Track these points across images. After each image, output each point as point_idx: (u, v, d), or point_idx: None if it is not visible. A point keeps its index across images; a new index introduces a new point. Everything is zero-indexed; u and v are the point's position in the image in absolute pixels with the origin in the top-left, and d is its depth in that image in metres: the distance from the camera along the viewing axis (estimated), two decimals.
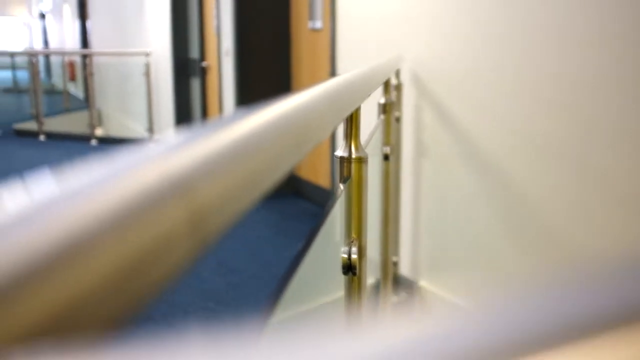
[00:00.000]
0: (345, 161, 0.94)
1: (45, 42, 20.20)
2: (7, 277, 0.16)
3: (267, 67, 4.53)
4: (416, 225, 2.74)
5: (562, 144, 1.94)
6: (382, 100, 1.92)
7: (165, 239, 0.23)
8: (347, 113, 0.85)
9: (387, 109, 1.94)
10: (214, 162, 0.29)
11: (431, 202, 2.65)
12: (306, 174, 4.42)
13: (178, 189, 0.25)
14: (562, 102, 1.93)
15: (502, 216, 2.26)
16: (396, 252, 2.77)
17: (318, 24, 4.00)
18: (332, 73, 3.39)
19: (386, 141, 1.96)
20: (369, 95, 1.01)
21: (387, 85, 1.92)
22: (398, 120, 2.58)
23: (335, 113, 0.72)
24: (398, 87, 2.55)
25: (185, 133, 0.33)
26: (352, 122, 0.93)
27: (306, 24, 4.20)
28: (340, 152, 0.94)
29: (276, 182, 0.42)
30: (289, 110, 0.50)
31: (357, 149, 0.94)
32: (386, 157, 1.95)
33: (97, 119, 7.82)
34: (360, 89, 0.92)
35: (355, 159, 0.94)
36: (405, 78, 2.65)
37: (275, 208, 4.18)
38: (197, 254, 0.26)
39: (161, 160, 0.26)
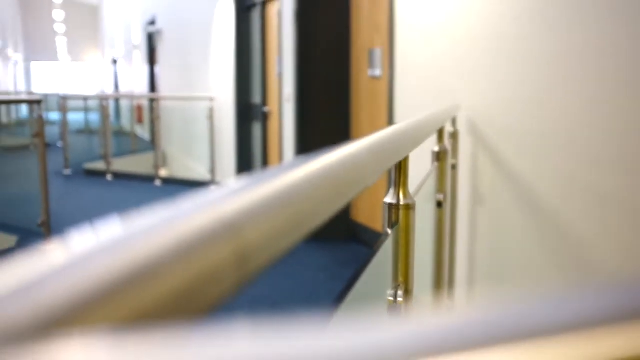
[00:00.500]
0: (393, 208, 0.97)
1: (116, 86, 21.10)
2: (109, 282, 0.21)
3: (327, 113, 4.63)
4: (471, 271, 2.73)
5: (618, 192, 1.92)
6: (436, 148, 1.95)
7: (214, 271, 0.28)
8: (395, 162, 0.89)
9: (441, 157, 1.97)
10: (259, 206, 0.34)
11: (487, 248, 2.64)
12: (363, 219, 4.45)
13: (226, 229, 0.29)
14: (614, 152, 1.92)
15: (559, 264, 2.23)
16: (450, 297, 2.75)
17: (377, 72, 4.08)
18: (390, 120, 3.45)
19: (440, 189, 1.98)
20: (419, 144, 1.05)
21: (441, 133, 1.95)
22: (454, 167, 2.60)
23: (381, 162, 0.76)
24: (454, 135, 2.58)
25: (237, 180, 0.38)
26: (401, 170, 0.96)
27: (366, 72, 4.28)
28: (388, 198, 0.98)
29: (319, 225, 0.46)
30: (336, 159, 0.55)
31: (405, 196, 0.98)
32: (439, 205, 1.97)
33: (161, 161, 8.09)
34: (409, 139, 0.96)
35: (403, 205, 0.97)
36: (461, 126, 2.68)
37: (331, 252, 4.21)
38: (241, 284, 0.31)
39: (214, 204, 0.31)
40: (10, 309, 0.18)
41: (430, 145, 1.94)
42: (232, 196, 0.33)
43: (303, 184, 0.42)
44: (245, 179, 0.39)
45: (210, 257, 0.28)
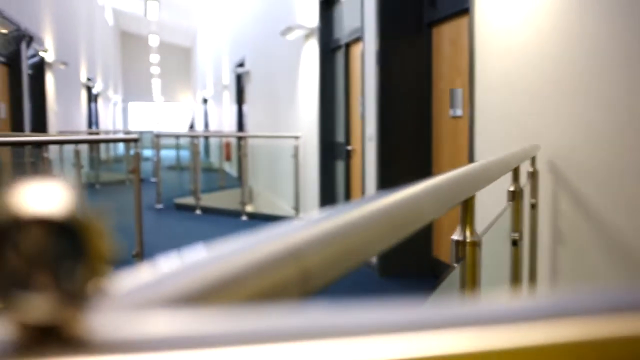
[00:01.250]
0: (459, 244, 1.03)
1: (206, 125, 21.92)
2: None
3: (408, 152, 4.69)
4: None
5: None
6: (512, 188, 1.97)
7: (281, 285, 0.36)
8: (459, 200, 0.95)
9: (516, 196, 2.00)
10: (319, 236, 0.42)
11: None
12: (445, 256, 4.45)
13: (291, 253, 0.38)
14: None
15: None
16: None
17: (458, 112, 4.12)
18: (470, 159, 3.47)
19: (515, 227, 2.00)
20: (486, 184, 1.11)
21: (516, 172, 1.98)
22: (534, 206, 2.60)
23: (445, 200, 0.83)
24: (534, 174, 2.58)
25: (307, 214, 0.46)
26: (468, 208, 1.02)
27: (447, 112, 4.33)
28: (455, 236, 1.04)
29: (378, 252, 0.53)
30: (396, 198, 0.62)
31: (471, 233, 1.03)
32: (515, 243, 1.98)
33: (248, 197, 8.35)
34: (476, 179, 1.02)
35: (470, 242, 1.03)
36: (541, 165, 2.68)
37: (411, 287, 4.23)
38: (305, 298, 0.39)
39: (283, 234, 0.40)
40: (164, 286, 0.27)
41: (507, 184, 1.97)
42: (298, 228, 0.42)
43: (361, 218, 0.49)
44: (312, 214, 0.47)
45: (278, 275, 0.36)
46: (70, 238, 0.20)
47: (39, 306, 0.19)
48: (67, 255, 0.20)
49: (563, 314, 0.25)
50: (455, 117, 4.20)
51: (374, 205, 0.55)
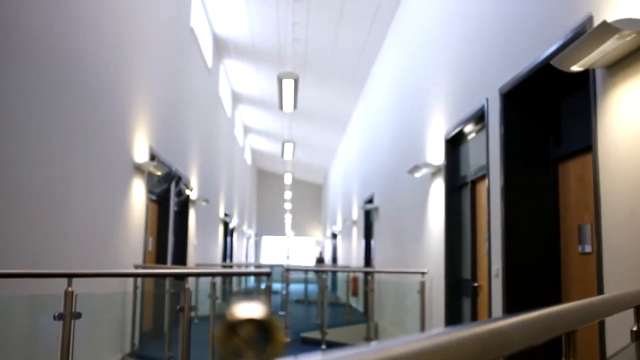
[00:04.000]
0: None
1: (334, 259, 22.31)
2: None
3: (536, 288, 4.61)
4: None
5: None
6: (634, 327, 1.96)
7: None
8: (560, 332, 1.03)
9: None
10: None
11: None
12: None
13: None
14: None
15: None
16: None
17: (587, 248, 4.07)
18: (599, 292, 3.40)
19: None
20: (588, 322, 1.18)
21: (638, 312, 1.96)
22: None
23: (544, 332, 0.93)
24: None
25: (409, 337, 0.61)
26: (570, 343, 1.09)
27: (576, 248, 4.28)
28: None
29: None
30: (483, 328, 0.75)
31: None
32: None
33: (373, 332, 8.33)
34: (578, 315, 1.10)
35: None
36: None
37: None
38: None
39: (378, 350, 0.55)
40: None
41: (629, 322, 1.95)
42: (400, 345, 0.57)
43: (445, 344, 0.63)
44: (417, 336, 0.62)
45: None
46: (265, 330, 0.38)
47: None
48: (264, 339, 0.37)
49: None
50: (584, 254, 4.15)
51: (474, 330, 0.68)
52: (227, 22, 12.69)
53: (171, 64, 9.33)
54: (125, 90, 6.78)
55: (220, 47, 14.27)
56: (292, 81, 9.93)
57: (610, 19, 3.22)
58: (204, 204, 12.17)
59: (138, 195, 7.45)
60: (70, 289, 3.66)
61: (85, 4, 5.39)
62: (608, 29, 2.77)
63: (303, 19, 11.50)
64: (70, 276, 3.70)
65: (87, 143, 5.53)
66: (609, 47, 2.95)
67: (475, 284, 5.95)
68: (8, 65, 3.99)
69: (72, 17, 5.07)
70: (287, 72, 9.75)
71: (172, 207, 9.49)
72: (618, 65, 3.18)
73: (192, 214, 11.17)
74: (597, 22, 3.36)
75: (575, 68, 3.30)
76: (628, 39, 2.82)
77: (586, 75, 3.64)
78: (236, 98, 18.70)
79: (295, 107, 11.49)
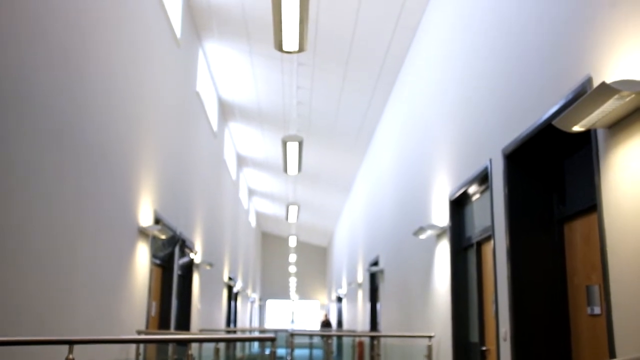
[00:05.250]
0: None
1: (339, 323, 21.97)
2: None
3: (545, 352, 4.51)
4: None
5: None
6: None
7: None
8: None
9: None
10: None
11: None
12: None
13: None
14: None
15: None
16: None
17: (596, 310, 4.00)
18: (611, 355, 3.32)
19: None
20: None
21: None
22: None
23: None
24: None
25: None
26: None
27: (585, 309, 4.20)
28: None
29: None
30: None
31: None
32: None
33: None
34: None
35: None
36: None
37: None
38: None
39: None
40: None
41: None
42: None
43: None
44: None
45: None
46: None
47: None
48: None
49: None
50: (593, 315, 4.07)
51: None
52: (232, 86, 12.92)
53: (177, 128, 9.44)
54: (131, 154, 6.84)
55: (226, 110, 14.47)
56: (296, 144, 10.02)
57: (609, 80, 3.26)
58: (207, 267, 12.08)
59: (142, 259, 7.41)
60: (71, 357, 3.59)
61: (94, 69, 5.50)
62: (607, 90, 2.80)
63: (307, 82, 11.70)
64: (71, 343, 3.63)
65: (93, 206, 5.54)
66: (609, 108, 2.98)
67: (484, 348, 5.83)
68: (19, 129, 4.04)
69: (83, 81, 5.17)
70: (291, 135, 9.84)
71: (176, 271, 9.42)
72: (619, 125, 3.20)
73: (195, 278, 11.07)
74: (596, 83, 3.41)
75: (576, 128, 3.33)
76: (627, 99, 2.85)
77: (588, 135, 3.67)
78: (241, 161, 18.84)
79: (299, 169, 11.57)
